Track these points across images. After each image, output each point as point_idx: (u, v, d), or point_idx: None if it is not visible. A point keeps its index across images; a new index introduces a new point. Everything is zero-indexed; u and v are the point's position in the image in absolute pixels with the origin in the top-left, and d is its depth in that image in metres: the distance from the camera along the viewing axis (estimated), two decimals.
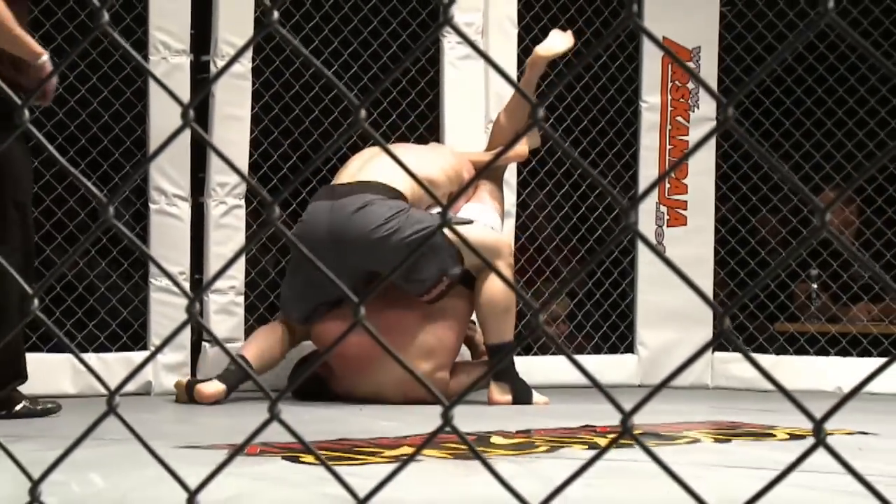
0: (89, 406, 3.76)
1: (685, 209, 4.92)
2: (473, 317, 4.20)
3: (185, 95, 3.95)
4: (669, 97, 4.93)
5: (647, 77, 4.92)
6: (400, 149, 4.21)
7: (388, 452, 2.70)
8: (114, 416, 1.03)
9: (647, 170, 4.89)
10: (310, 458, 2.48)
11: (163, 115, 4.15)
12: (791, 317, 5.06)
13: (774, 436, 3.18)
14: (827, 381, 4.62)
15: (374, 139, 0.93)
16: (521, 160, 4.53)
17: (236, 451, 0.98)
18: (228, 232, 4.31)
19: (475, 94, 4.62)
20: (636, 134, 4.94)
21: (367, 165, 4.09)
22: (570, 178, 4.91)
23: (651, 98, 4.93)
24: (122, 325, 4.24)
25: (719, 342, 0.88)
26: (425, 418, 3.24)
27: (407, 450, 2.74)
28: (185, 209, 4.25)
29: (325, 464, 0.95)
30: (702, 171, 4.85)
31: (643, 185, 4.88)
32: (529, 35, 4.74)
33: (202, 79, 4.22)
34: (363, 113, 0.91)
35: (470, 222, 4.06)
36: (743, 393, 4.61)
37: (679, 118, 4.93)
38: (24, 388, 3.36)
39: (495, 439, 3.00)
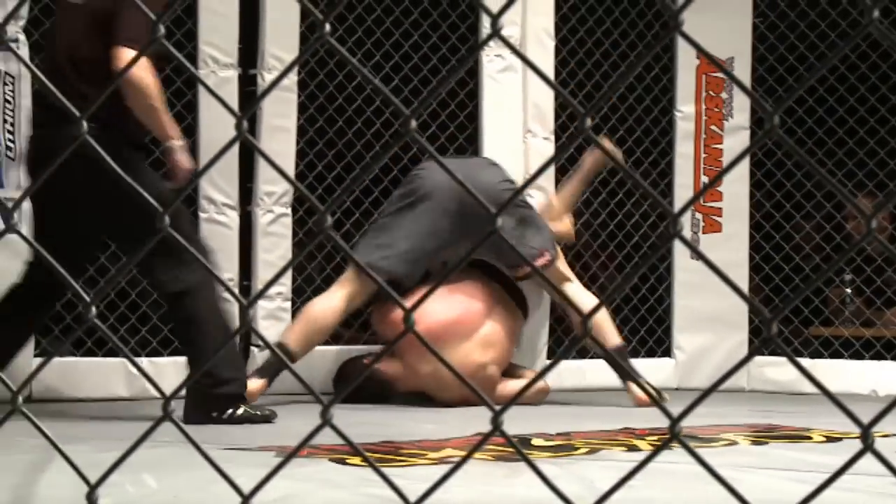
0: (138, 408, 3.86)
1: (720, 216, 4.99)
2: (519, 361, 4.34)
3: (234, 108, 4.05)
4: (704, 107, 5.01)
5: (681, 87, 4.99)
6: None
7: (431, 454, 2.73)
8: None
9: (682, 178, 4.97)
10: (355, 460, 2.53)
11: (213, 127, 4.24)
12: (825, 321, 5.10)
13: (811, 438, 3.19)
14: (862, 384, 4.65)
15: (423, 148, 0.92)
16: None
17: (290, 454, 0.97)
18: (275, 239, 4.41)
19: (513, 106, 4.68)
20: (671, 143, 5.02)
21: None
22: (606, 185, 5.00)
23: (686, 108, 5.01)
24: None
25: (757, 346, 0.92)
26: (465, 421, 3.26)
27: (450, 451, 2.78)
28: (233, 218, 4.35)
29: (375, 467, 0.94)
30: (736, 178, 4.89)
31: (678, 192, 4.96)
32: (566, 47, 4.84)
33: (249, 91, 4.31)
34: (413, 123, 0.90)
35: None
36: (779, 396, 4.64)
37: (713, 127, 5.00)
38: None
39: (536, 441, 3.03)
